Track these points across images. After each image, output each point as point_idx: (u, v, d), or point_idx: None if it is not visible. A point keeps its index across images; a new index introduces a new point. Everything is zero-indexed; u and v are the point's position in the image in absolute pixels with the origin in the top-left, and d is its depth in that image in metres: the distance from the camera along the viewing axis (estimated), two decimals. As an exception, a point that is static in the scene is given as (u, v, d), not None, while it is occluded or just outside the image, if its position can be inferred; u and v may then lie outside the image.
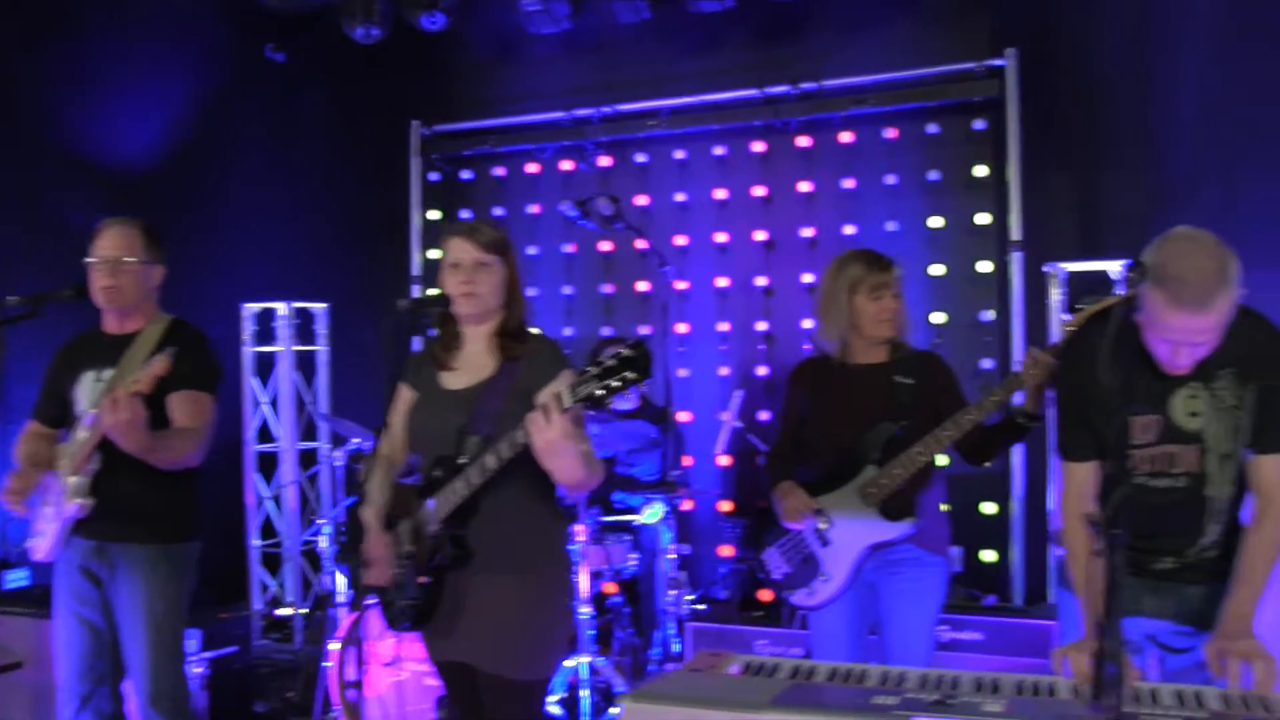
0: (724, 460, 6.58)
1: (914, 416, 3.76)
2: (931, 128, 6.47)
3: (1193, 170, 5.69)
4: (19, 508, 3.92)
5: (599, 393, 2.83)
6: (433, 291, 3.42)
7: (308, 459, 7.56)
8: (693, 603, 5.74)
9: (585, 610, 5.20)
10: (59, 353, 4.10)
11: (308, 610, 6.93)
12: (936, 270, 6.42)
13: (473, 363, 3.35)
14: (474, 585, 3.23)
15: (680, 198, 7.04)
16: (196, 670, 5.29)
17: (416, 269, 7.73)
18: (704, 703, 2.53)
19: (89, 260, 3.92)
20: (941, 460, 4.04)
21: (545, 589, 3.32)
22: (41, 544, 3.94)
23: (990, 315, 6.32)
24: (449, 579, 3.24)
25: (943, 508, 4.04)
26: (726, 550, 6.60)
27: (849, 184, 6.58)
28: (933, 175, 6.45)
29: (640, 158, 7.15)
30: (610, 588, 5.74)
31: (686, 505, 6.57)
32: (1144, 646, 3.16)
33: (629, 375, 2.80)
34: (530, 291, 7.42)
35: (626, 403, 6.18)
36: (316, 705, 5.38)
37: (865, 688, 2.66)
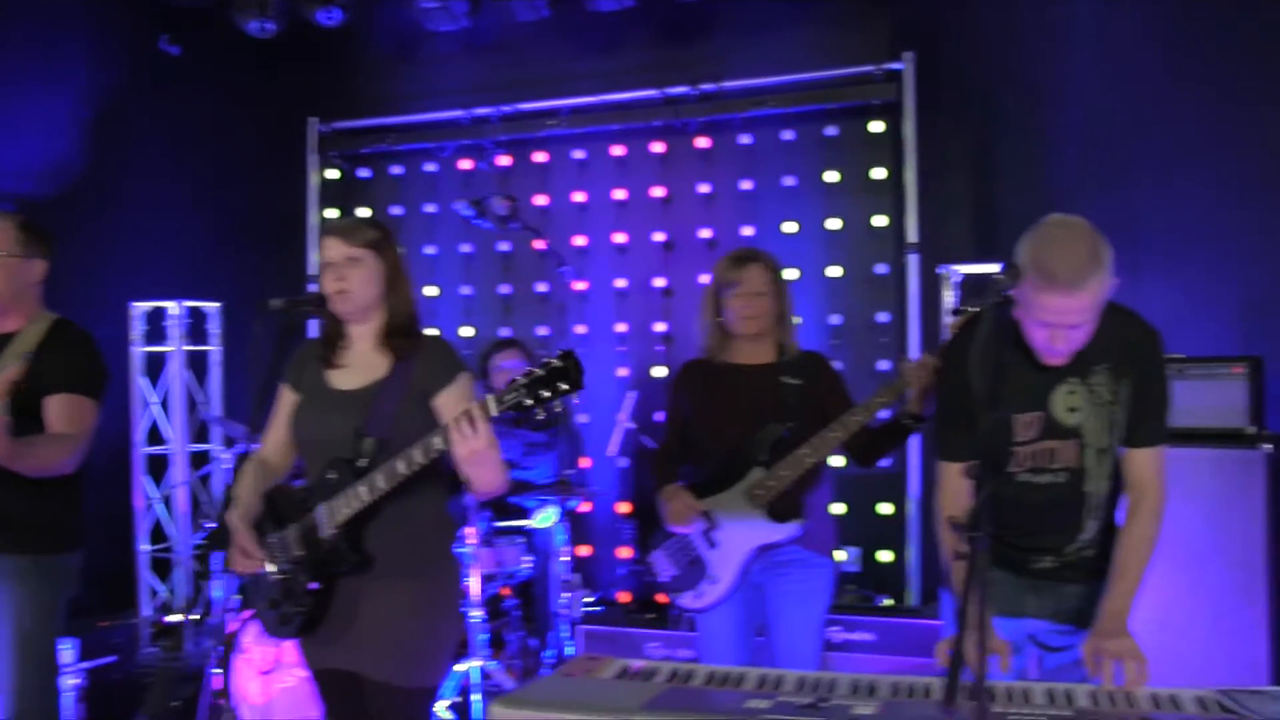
0: (622, 461, 6.55)
1: (801, 417, 3.75)
2: (830, 130, 6.49)
3: (1081, 174, 5.77)
4: None
5: (528, 402, 2.79)
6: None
7: (200, 461, 7.39)
8: (591, 604, 5.69)
9: (476, 614, 5.13)
10: None
11: (198, 617, 6.76)
12: (834, 272, 6.44)
13: (363, 362, 3.26)
14: (367, 591, 3.15)
15: (579, 198, 6.99)
16: (72, 682, 5.13)
17: (313, 268, 7.58)
18: (574, 708, 2.49)
19: None
20: (838, 461, 4.03)
21: (437, 594, 3.26)
22: None
23: (887, 317, 6.35)
24: (340, 585, 3.16)
25: (832, 509, 4.03)
26: (625, 551, 6.56)
27: (747, 185, 6.58)
28: (831, 177, 6.46)
29: (539, 157, 7.08)
30: (505, 591, 5.68)
31: (585, 507, 6.52)
32: (1024, 646, 3.18)
33: (561, 386, 2.77)
34: (429, 291, 7.34)
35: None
36: (201, 714, 5.25)
37: (742, 691, 2.64)
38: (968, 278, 5.83)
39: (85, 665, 5.13)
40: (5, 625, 3.73)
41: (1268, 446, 4.38)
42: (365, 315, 3.24)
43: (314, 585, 3.13)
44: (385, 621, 3.13)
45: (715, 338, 3.96)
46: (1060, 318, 2.72)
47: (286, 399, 3.36)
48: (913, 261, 6.14)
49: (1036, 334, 2.80)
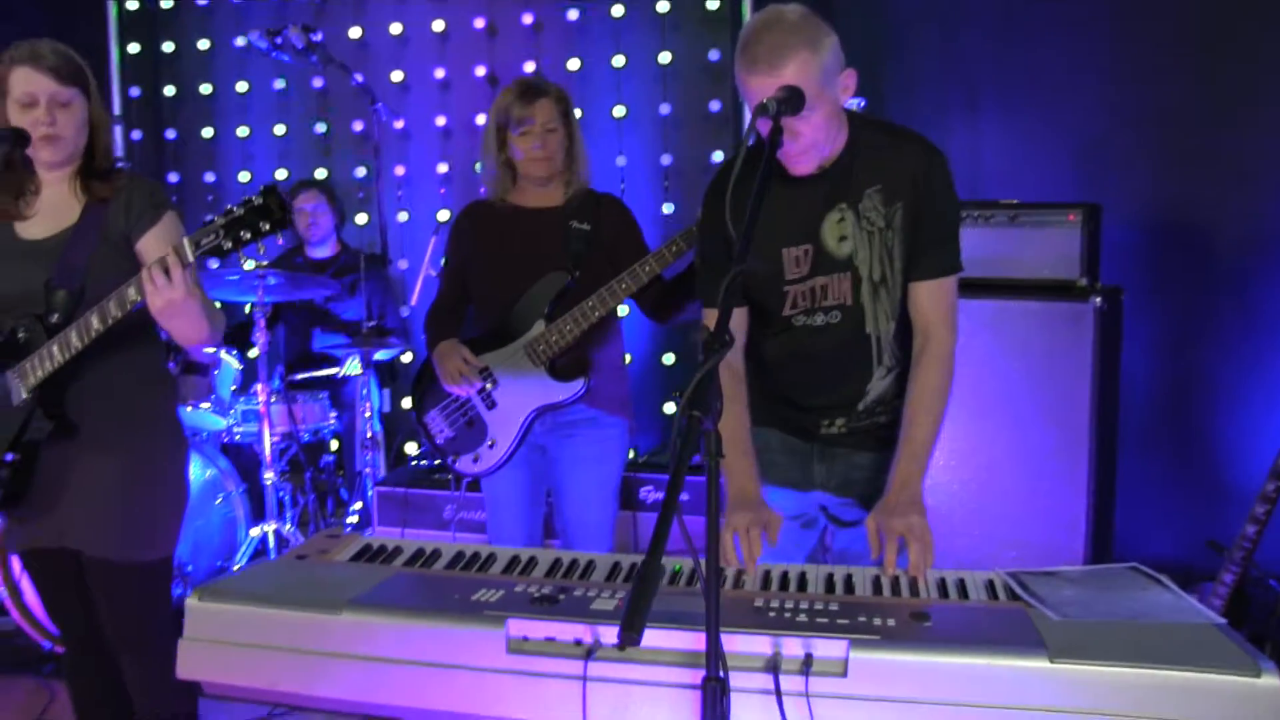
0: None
1: (587, 266, 3.42)
2: (664, -45, 6.00)
3: (921, 11, 5.44)
4: None
5: (227, 245, 2.48)
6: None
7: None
8: (415, 460, 5.40)
9: (269, 475, 4.81)
10: None
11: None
12: (664, 109, 6.02)
13: (53, 208, 2.89)
14: (74, 461, 2.84)
15: (396, 29, 6.43)
16: None
17: (118, 108, 6.97)
18: (273, 601, 2.19)
19: None
20: (620, 311, 3.72)
21: (152, 460, 2.95)
22: None
23: (721, 158, 5.98)
24: (44, 455, 2.82)
25: (627, 361, 3.75)
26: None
27: (574, 15, 6.10)
28: (662, 6, 5.99)
29: (353, -17, 6.48)
30: (334, 446, 5.41)
31: (407, 357, 6.18)
32: (817, 519, 2.92)
33: (263, 226, 2.46)
34: (241, 132, 6.79)
35: (324, 250, 5.71)
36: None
37: (483, 577, 2.35)
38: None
39: None
40: None
41: (1098, 300, 4.08)
42: (68, 161, 2.88)
43: (10, 457, 2.79)
44: (96, 493, 2.84)
45: (502, 179, 3.59)
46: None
47: None
48: (749, 99, 5.75)
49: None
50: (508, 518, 3.63)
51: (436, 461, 5.09)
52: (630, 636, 1.53)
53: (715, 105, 5.97)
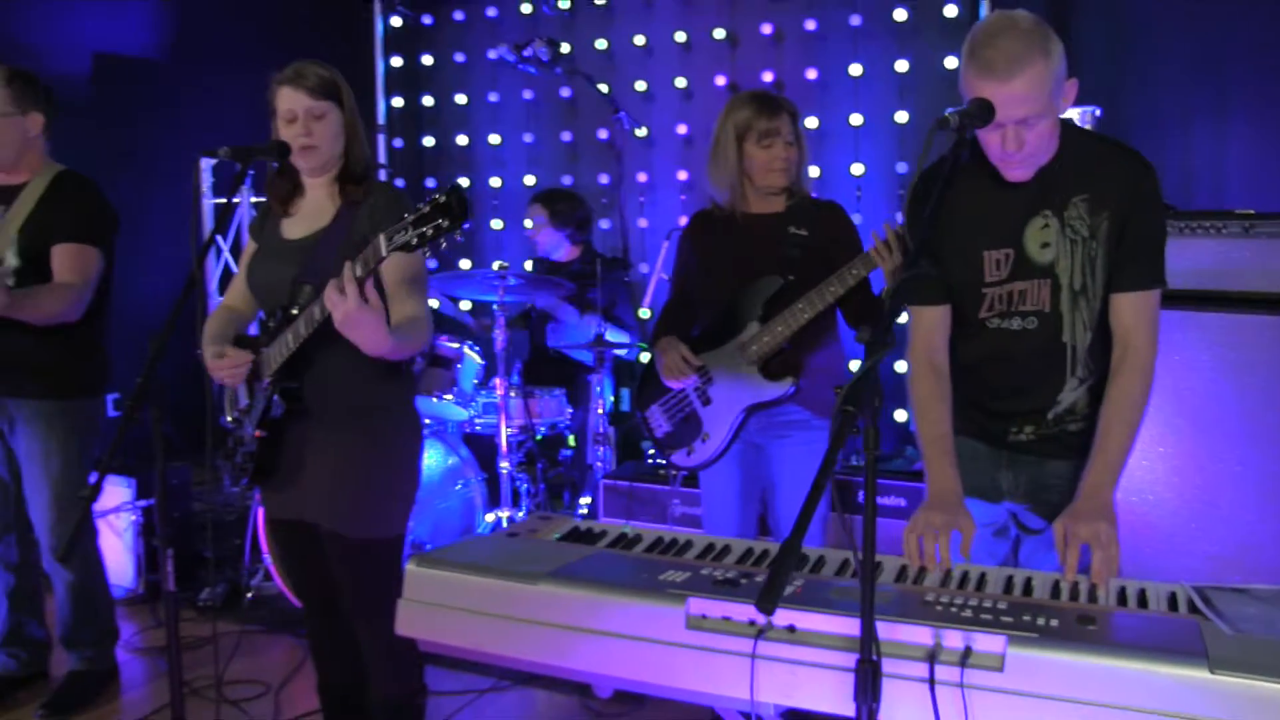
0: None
1: (803, 270, 3.53)
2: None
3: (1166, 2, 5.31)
4: None
5: (413, 241, 2.63)
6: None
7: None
8: (652, 458, 5.61)
9: (505, 465, 5.10)
10: None
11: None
12: (901, 117, 6.05)
13: (312, 211, 3.19)
14: (311, 441, 3.12)
15: (640, 41, 6.69)
16: (130, 519, 5.30)
17: (381, 117, 7.48)
18: (481, 570, 2.39)
19: None
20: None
21: (379, 445, 3.17)
22: None
23: (957, 166, 5.96)
24: (288, 434, 3.13)
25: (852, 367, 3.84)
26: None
27: (811, 25, 6.20)
28: (900, 15, 6.04)
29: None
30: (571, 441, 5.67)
31: (645, 357, 6.39)
32: (1009, 527, 2.95)
33: (442, 223, 2.59)
34: (493, 139, 7.17)
35: (559, 253, 5.97)
36: (245, 553, 5.37)
37: (678, 560, 2.49)
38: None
39: (142, 504, 5.37)
40: (35, 467, 3.97)
41: (1341, 315, 3.92)
42: (326, 168, 3.17)
43: (259, 434, 3.11)
44: (327, 472, 3.10)
45: (737, 187, 3.71)
46: (1003, 111, 2.41)
47: (249, 247, 3.34)
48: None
49: (991, 145, 2.52)
50: (722, 512, 3.77)
51: (661, 460, 5.28)
52: (765, 608, 1.66)
53: (951, 63, 5.96)
